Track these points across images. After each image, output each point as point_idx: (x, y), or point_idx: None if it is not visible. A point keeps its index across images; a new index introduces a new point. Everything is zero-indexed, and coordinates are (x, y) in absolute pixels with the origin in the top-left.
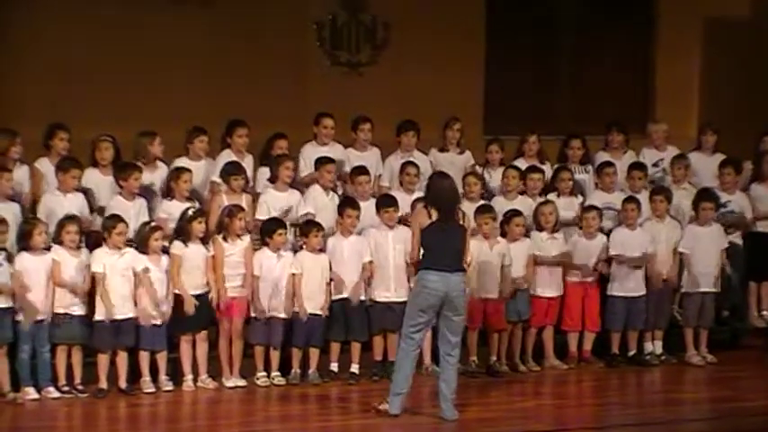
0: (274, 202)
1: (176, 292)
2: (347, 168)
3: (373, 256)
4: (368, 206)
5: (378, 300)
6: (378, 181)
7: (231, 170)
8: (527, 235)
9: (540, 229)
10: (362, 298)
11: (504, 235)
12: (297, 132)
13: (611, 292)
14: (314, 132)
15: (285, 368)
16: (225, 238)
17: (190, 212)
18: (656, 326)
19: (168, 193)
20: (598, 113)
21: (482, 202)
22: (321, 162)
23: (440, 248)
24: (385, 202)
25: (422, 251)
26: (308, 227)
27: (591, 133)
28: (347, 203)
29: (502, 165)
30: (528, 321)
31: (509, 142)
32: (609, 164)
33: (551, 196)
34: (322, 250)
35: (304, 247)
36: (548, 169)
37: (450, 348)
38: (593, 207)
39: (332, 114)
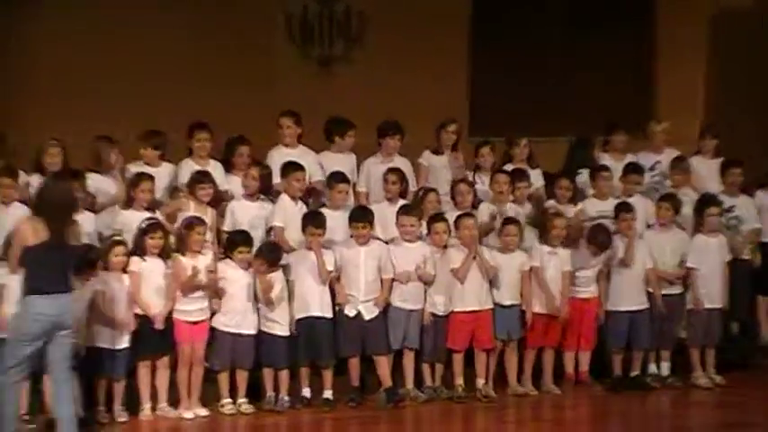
0: (242, 212)
1: (137, 312)
2: (318, 177)
3: (341, 273)
4: (342, 216)
5: (349, 317)
6: (354, 188)
7: (198, 178)
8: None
9: (545, 241)
10: (328, 315)
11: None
12: (265, 135)
13: (612, 306)
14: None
15: (251, 394)
16: (186, 254)
17: (143, 225)
18: (662, 346)
19: (127, 202)
20: (592, 114)
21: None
22: (288, 169)
23: (47, 268)
24: (356, 217)
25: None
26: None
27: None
28: (310, 220)
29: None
30: (523, 341)
31: (497, 145)
32: (605, 168)
33: (551, 204)
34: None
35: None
36: (538, 175)
37: (64, 371)
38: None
39: (295, 113)
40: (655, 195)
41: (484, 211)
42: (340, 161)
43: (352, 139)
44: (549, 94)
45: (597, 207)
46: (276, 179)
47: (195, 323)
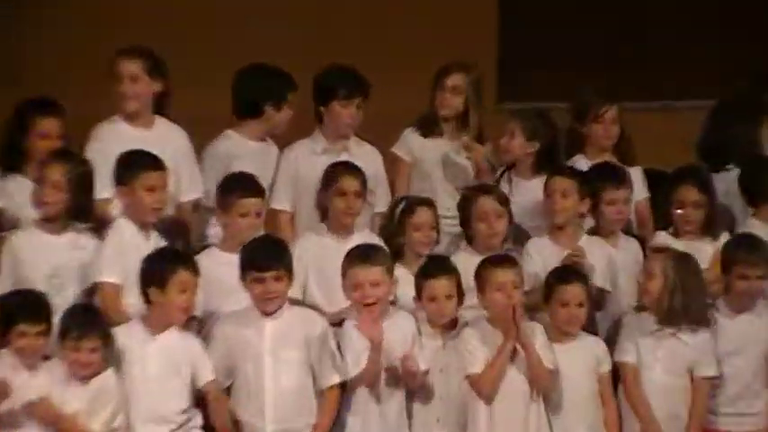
0: (34, 254)
1: None
2: (191, 187)
3: (229, 374)
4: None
5: None
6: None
7: None
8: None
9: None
10: None
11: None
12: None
13: None
14: None
15: None
16: None
17: None
18: None
19: None
20: (683, 72)
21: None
22: (132, 166)
23: None
24: (257, 258)
25: None
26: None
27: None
28: (165, 263)
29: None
30: None
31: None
32: None
33: (663, 237)
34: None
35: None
36: (636, 177)
37: None
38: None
39: (144, 50)
40: None
41: (538, 255)
42: (252, 155)
43: (290, 111)
44: (639, 31)
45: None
46: (105, 191)
47: None
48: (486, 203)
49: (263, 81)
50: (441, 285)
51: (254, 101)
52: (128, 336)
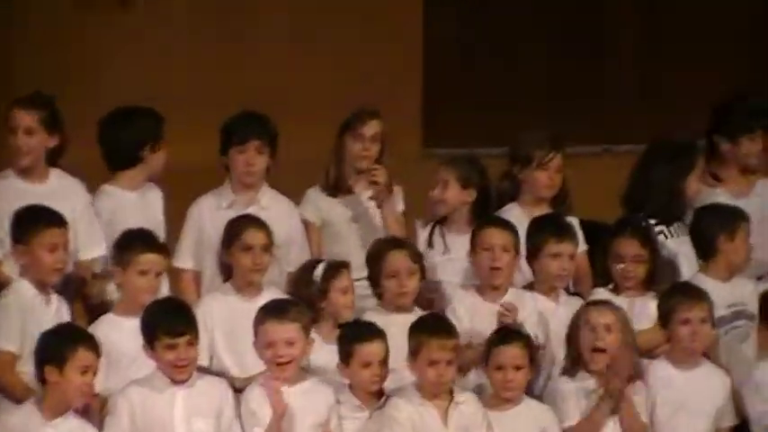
0: None
1: None
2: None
3: None
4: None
5: None
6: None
7: None
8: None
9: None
10: None
11: None
12: None
13: None
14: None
15: None
16: None
17: None
18: None
19: None
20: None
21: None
22: (31, 224)
23: None
24: (161, 320)
25: None
26: None
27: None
28: (68, 339)
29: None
30: None
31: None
32: (738, 213)
33: (601, 293)
34: None
35: None
36: (577, 230)
37: None
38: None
39: (43, 98)
40: None
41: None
42: (136, 205)
43: (165, 152)
44: (574, 71)
45: (722, 296)
46: None
47: None
48: (397, 259)
49: (135, 124)
50: (376, 349)
51: (131, 148)
52: (19, 420)
